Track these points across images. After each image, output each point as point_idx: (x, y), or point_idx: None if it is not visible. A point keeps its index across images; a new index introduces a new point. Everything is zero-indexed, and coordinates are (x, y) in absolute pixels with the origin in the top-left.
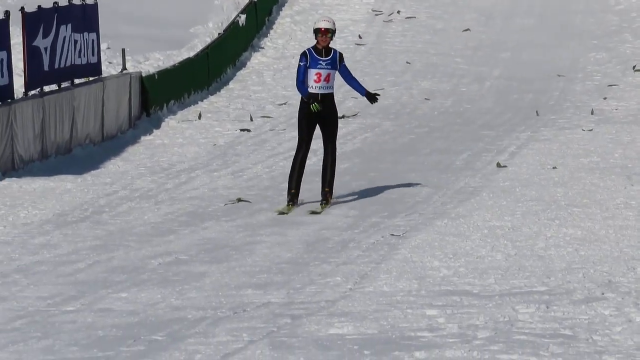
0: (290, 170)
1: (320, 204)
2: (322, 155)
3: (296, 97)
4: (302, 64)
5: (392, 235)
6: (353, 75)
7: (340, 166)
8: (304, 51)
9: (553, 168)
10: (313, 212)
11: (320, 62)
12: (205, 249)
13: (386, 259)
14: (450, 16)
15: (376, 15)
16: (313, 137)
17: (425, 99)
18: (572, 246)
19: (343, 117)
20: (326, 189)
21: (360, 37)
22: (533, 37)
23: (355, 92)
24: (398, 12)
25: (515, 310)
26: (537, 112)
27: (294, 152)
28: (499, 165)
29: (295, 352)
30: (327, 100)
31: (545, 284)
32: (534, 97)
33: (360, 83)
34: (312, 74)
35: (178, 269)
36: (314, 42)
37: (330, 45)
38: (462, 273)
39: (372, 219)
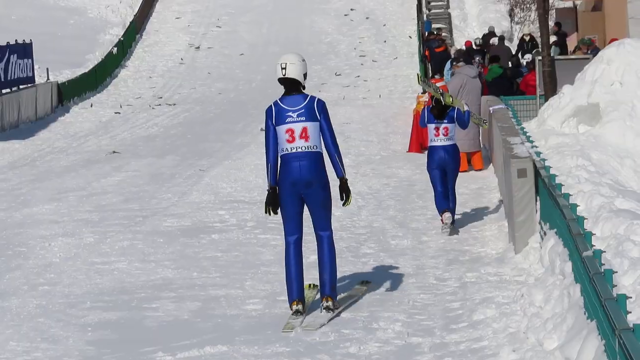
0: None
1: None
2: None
3: (147, 95)
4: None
5: (200, 170)
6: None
7: (171, 132)
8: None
9: None
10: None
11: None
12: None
13: (197, 183)
14: (232, 46)
15: (190, 46)
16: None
17: (219, 93)
18: None
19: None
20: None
21: (182, 59)
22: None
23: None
24: (198, 47)
25: None
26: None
27: (144, 126)
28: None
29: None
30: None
31: None
32: (279, 91)
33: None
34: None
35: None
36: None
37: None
38: (238, 190)
39: (189, 161)
